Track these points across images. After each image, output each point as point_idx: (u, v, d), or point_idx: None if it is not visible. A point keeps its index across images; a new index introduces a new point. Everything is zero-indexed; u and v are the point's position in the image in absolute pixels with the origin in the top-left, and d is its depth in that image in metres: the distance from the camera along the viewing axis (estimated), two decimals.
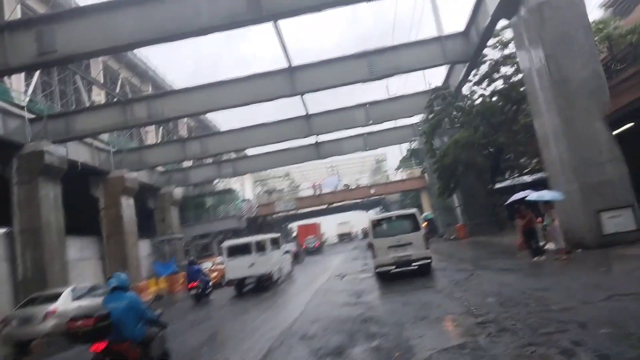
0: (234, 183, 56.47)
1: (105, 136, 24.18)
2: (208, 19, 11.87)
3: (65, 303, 12.18)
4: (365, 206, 67.99)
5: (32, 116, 18.18)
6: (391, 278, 12.53)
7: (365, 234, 41.44)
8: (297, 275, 20.74)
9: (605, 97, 11.68)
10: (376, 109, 23.84)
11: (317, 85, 17.79)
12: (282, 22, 13.28)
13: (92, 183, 23.36)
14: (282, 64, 17.14)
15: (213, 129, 38.80)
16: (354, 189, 47.10)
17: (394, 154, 75.26)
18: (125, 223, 23.58)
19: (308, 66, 17.65)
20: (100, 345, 4.90)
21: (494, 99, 20.97)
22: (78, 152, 20.91)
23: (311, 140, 27.76)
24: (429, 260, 12.49)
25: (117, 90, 27.14)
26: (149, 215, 29.69)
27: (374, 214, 68.74)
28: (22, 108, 17.71)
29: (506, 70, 20.13)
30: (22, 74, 19.13)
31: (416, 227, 12.68)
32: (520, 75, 19.78)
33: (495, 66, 20.04)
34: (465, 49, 17.48)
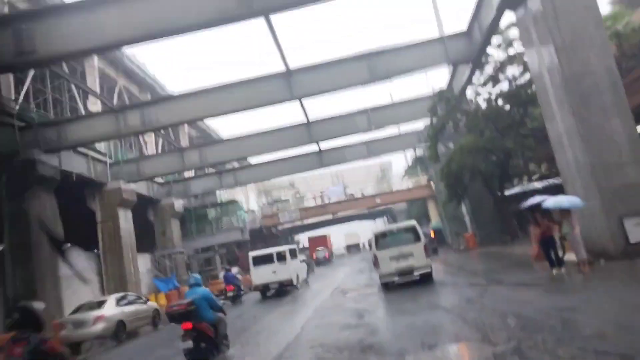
0: (237, 194, 55.86)
1: (102, 147, 23.57)
2: (196, 15, 11.22)
3: (111, 309, 14.10)
4: (372, 216, 67.02)
5: (23, 124, 17.55)
6: (397, 294, 11.69)
7: (370, 246, 40.66)
8: (305, 286, 21.88)
9: (621, 93, 10.80)
10: (378, 115, 23.05)
11: (316, 89, 17.08)
12: (279, 21, 12.56)
13: (89, 195, 22.65)
14: (277, 59, 16.41)
15: (215, 139, 38.11)
16: (359, 198, 46.16)
17: (399, 161, 74.37)
18: (123, 237, 22.79)
19: (306, 69, 16.92)
20: (189, 324, 6.88)
21: (500, 102, 20.12)
22: (73, 163, 20.22)
23: (313, 148, 27.02)
24: (430, 270, 13.09)
25: (115, 98, 26.53)
26: (148, 228, 28.93)
27: (381, 223, 67.98)
28: (11, 116, 17.06)
29: (512, 71, 19.30)
30: (12, 81, 18.54)
31: (417, 239, 13.25)
32: (527, 76, 19.00)
33: (501, 67, 19.21)
34: (468, 49, 16.73)
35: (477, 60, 17.32)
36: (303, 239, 66.40)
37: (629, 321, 5.41)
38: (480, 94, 20.14)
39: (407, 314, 8.77)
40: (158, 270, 28.26)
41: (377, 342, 6.85)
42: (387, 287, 13.28)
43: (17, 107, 18.79)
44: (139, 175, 24.42)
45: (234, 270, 23.75)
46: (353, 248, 66.32)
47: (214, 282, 25.91)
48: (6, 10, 17.37)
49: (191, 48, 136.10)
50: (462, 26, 16.83)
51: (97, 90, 25.16)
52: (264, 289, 19.05)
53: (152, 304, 17.68)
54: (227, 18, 11.57)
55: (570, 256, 10.99)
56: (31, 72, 20.85)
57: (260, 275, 18.96)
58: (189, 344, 6.88)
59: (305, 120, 22.27)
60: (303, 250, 50.44)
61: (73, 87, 22.63)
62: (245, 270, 25.50)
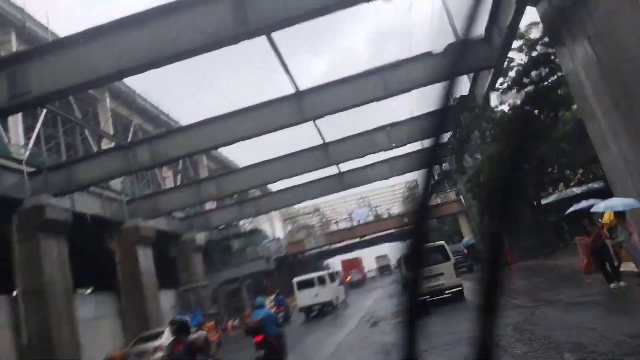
0: (262, 223, 55.15)
1: (118, 185, 23.26)
2: (190, 40, 10.57)
3: (168, 339, 14.72)
4: (400, 237, 65.16)
5: (32, 170, 17.31)
6: (434, 322, 10.41)
7: (398, 267, 39.34)
8: (344, 307, 23.59)
9: None
10: (398, 131, 21.95)
11: (328, 109, 16.20)
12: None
13: (106, 235, 22.20)
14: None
15: (232, 168, 37.72)
16: (385, 218, 44.74)
17: None
18: (143, 275, 22.13)
19: (316, 89, 16.18)
20: (260, 337, 8.38)
21: (527, 107, 18.85)
22: (87, 204, 19.87)
23: (334, 170, 26.07)
24: (461, 288, 13.28)
25: (130, 138, 26.38)
26: (171, 264, 28.32)
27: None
28: (20, 162, 16.84)
29: (538, 73, 18.10)
30: (21, 126, 18.46)
31: (446, 258, 13.56)
32: (555, 77, 17.79)
33: (525, 70, 18.05)
34: (488, 54, 15.62)
35: (499, 65, 16.21)
36: (333, 263, 65.13)
37: None
38: (505, 100, 18.92)
39: (442, 349, 7.53)
40: (182, 306, 27.44)
41: None
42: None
43: (27, 153, 18.69)
44: (156, 211, 23.89)
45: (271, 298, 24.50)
46: (385, 270, 65.98)
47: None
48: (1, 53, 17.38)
49: (202, 77, 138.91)
50: (479, 31, 15.87)
51: (111, 130, 25.09)
52: (307, 310, 21.27)
53: (202, 332, 18.11)
54: (225, 40, 10.90)
55: (627, 266, 9.56)
56: (41, 117, 20.89)
57: (304, 297, 21.21)
58: (261, 352, 8.65)
59: (321, 142, 21.42)
60: (337, 273, 49.42)
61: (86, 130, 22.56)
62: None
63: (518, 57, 17.97)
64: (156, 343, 15.49)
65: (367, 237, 49.77)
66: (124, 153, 17.34)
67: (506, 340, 7.01)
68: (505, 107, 19.64)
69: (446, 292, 13.06)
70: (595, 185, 20.66)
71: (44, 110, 20.59)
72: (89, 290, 23.16)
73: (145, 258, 22.76)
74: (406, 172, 29.94)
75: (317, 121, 18.37)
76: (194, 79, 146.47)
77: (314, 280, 21.46)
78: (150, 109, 28.68)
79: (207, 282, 29.73)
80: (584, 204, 9.62)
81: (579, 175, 22.96)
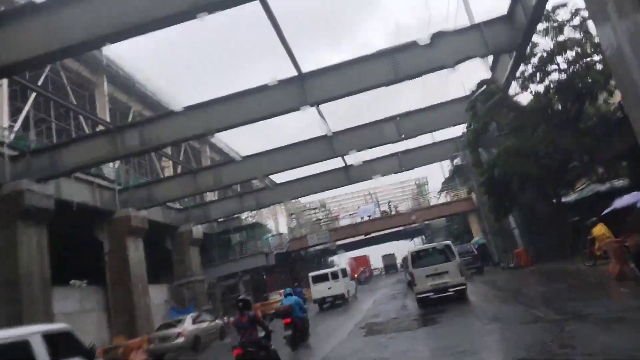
0: (266, 218, 53.81)
1: (111, 173, 22.09)
2: (172, 4, 9.28)
3: (188, 325, 17.26)
4: (407, 235, 63.77)
5: (15, 153, 16.16)
6: (437, 334, 9.09)
7: (403, 265, 38.09)
8: (354, 300, 25.47)
9: None
10: (409, 122, 20.53)
11: (332, 94, 14.79)
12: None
13: (95, 225, 21.04)
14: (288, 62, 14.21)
15: (231, 158, 36.44)
16: (393, 215, 43.19)
17: (436, 176, 70.97)
18: (132, 268, 20.93)
19: (321, 71, 14.78)
20: (289, 319, 10.84)
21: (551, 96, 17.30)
22: (75, 191, 18.74)
23: (340, 163, 24.69)
24: (464, 287, 14.06)
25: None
26: (166, 257, 27.16)
27: (419, 242, 64.75)
28: (1, 144, 15.70)
29: (564, 59, 16.52)
30: (6, 109, 17.28)
31: (451, 257, 14.22)
32: (582, 63, 16.22)
33: (550, 56, 16.47)
34: (510, 35, 14.09)
35: (522, 48, 14.66)
36: (338, 260, 63.95)
37: None
38: (527, 88, 17.30)
39: None
40: (176, 301, 26.30)
41: None
42: (425, 321, 11.42)
43: (12, 136, 17.54)
44: (151, 201, 22.68)
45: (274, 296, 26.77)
46: (391, 268, 65.35)
47: (265, 303, 26.54)
48: None
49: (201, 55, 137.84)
50: (502, 9, 14.31)
51: (108, 116, 23.90)
52: (321, 302, 23.40)
53: (219, 321, 20.93)
54: (216, 3, 9.64)
55: None
56: (30, 99, 19.73)
57: (319, 290, 23.42)
58: (289, 332, 10.69)
59: (325, 132, 20.04)
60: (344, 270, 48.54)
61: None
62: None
63: (543, 41, 16.40)
64: (178, 329, 16.80)
65: (372, 235, 48.30)
66: (112, 137, 16.11)
67: None
68: (527, 96, 18.10)
69: (450, 289, 13.77)
70: (620, 182, 19.08)
71: (34, 94, 19.46)
72: (73, 283, 21.97)
73: (136, 250, 21.59)
74: (416, 167, 28.25)
75: (321, 109, 17.04)
76: (209, 74, 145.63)
77: (328, 275, 23.77)
78: (149, 94, 27.45)
79: (203, 276, 28.55)
80: (627, 198, 8.16)
81: (599, 174, 21.33)
